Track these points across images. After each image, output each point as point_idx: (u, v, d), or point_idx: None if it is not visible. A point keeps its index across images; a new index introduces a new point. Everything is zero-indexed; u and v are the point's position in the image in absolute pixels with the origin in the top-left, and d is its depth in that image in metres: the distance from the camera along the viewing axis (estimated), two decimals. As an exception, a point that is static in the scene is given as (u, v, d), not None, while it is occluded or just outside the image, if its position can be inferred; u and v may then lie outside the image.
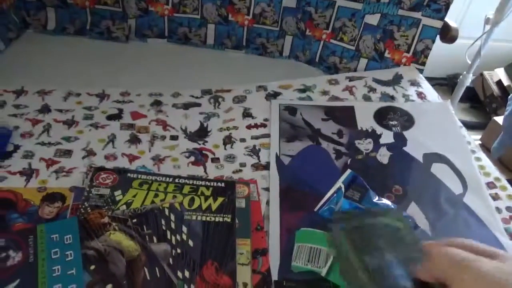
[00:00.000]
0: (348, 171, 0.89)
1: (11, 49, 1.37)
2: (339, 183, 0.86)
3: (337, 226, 0.66)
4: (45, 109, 1.10)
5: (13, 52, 1.36)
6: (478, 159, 1.06)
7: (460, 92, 2.09)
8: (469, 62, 1.98)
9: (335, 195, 0.85)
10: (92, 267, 0.71)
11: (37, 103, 1.12)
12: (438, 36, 1.34)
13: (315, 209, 0.88)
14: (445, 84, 2.95)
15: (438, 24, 1.30)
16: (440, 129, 1.14)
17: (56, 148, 0.99)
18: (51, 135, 1.03)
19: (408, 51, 1.36)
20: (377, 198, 0.86)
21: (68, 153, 0.98)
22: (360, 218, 0.69)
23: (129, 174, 0.90)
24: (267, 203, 0.91)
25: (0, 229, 0.79)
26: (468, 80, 2.03)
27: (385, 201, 0.87)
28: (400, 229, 0.65)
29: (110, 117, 1.11)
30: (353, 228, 0.66)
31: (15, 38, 1.40)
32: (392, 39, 1.36)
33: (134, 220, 0.80)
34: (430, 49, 1.34)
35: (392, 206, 0.85)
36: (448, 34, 1.36)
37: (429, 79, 1.37)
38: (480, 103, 2.87)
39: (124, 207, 0.83)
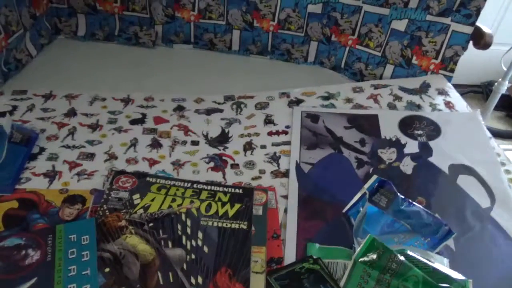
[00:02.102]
0: (375, 176, 0.88)
1: (43, 54, 1.42)
2: (364, 189, 0.85)
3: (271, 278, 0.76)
4: (71, 113, 1.13)
5: (44, 58, 1.40)
6: (508, 171, 1.01)
7: (495, 100, 2.02)
8: (505, 69, 1.90)
9: (361, 199, 0.86)
10: (107, 269, 0.72)
11: (64, 107, 1.16)
12: (471, 43, 1.30)
13: (343, 211, 0.90)
14: (479, 91, 2.86)
15: (468, 29, 1.26)
16: (468, 140, 1.10)
17: (80, 151, 1.01)
18: (76, 138, 1.05)
19: (436, 58, 1.32)
20: (405, 204, 0.84)
21: (91, 156, 1.00)
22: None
23: (148, 178, 0.91)
24: (285, 211, 0.90)
25: (21, 229, 0.81)
26: (503, 87, 1.96)
27: (415, 206, 0.85)
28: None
29: (134, 122, 1.12)
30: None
31: (47, 44, 1.45)
32: (420, 45, 1.32)
33: (151, 224, 0.81)
34: (460, 56, 1.30)
35: (421, 211, 0.84)
36: (481, 40, 1.31)
37: (462, 86, 1.33)
38: (516, 111, 2.76)
39: (142, 211, 0.84)
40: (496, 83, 1.97)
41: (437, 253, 0.81)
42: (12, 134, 0.98)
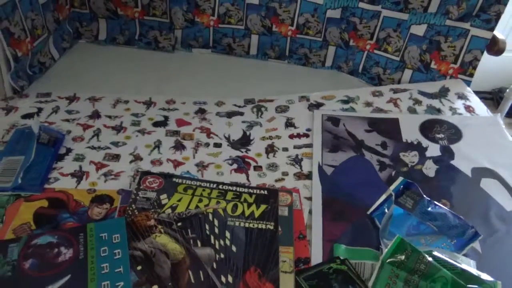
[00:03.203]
0: (400, 178, 0.89)
1: (65, 58, 1.44)
2: (390, 191, 0.86)
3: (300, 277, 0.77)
4: (95, 115, 1.15)
5: (66, 61, 1.43)
6: (531, 174, 1.02)
7: (506, 106, 2.01)
8: (517, 76, 1.90)
9: (387, 201, 0.86)
10: (139, 267, 0.73)
11: (88, 109, 1.17)
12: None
13: (368, 212, 0.90)
14: (490, 98, 2.86)
15: (487, 34, 1.26)
16: (489, 143, 1.11)
17: (105, 152, 1.03)
18: (101, 139, 1.07)
19: (455, 62, 1.33)
20: (431, 206, 0.85)
21: (116, 157, 1.02)
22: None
23: (174, 179, 0.92)
24: (310, 212, 0.91)
25: (52, 228, 0.82)
26: (515, 94, 1.95)
27: (441, 208, 0.86)
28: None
29: (156, 124, 1.14)
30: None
31: (69, 48, 1.48)
32: (438, 50, 1.33)
33: (179, 224, 0.82)
34: (479, 60, 1.31)
35: (447, 213, 0.85)
36: (495, 46, 1.31)
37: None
38: (528, 118, 2.75)
39: (170, 210, 0.85)
40: (508, 90, 1.96)
41: (464, 255, 0.81)
42: (39, 135, 1.00)
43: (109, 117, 1.15)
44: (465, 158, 1.05)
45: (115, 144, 1.06)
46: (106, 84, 1.32)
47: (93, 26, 1.50)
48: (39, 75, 1.31)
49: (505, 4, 1.22)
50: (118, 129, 1.11)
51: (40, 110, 1.15)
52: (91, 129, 1.10)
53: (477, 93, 1.33)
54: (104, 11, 1.47)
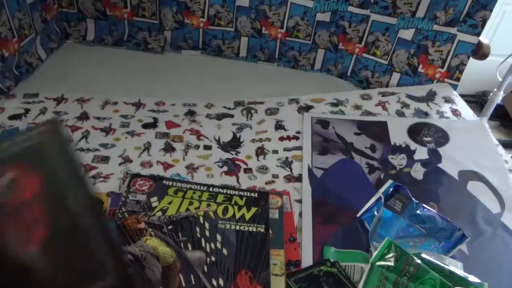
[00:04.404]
0: (390, 181, 0.90)
1: (52, 58, 1.42)
2: (379, 194, 0.87)
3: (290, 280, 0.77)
4: (84, 116, 1.14)
5: (54, 62, 1.41)
6: (516, 178, 1.04)
7: (490, 109, 2.04)
8: (500, 79, 1.93)
9: (376, 203, 0.87)
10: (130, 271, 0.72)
11: (76, 111, 1.16)
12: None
13: (358, 215, 0.90)
14: (474, 101, 2.90)
15: (474, 39, 1.29)
16: (476, 147, 1.12)
17: (94, 154, 1.02)
18: (89, 141, 1.06)
19: (442, 67, 1.35)
20: (420, 209, 0.86)
21: (105, 159, 1.01)
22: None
23: (164, 182, 0.92)
24: (300, 214, 0.91)
25: (41, 231, 0.81)
26: (498, 97, 1.98)
27: (430, 210, 0.87)
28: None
29: (146, 126, 1.13)
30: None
31: (56, 48, 1.46)
32: (426, 54, 1.35)
33: (170, 227, 0.82)
34: (465, 65, 1.33)
35: (435, 215, 0.86)
36: (480, 51, 1.34)
37: (457, 96, 1.35)
38: (510, 121, 2.80)
39: (160, 213, 0.84)
40: (491, 93, 1.99)
41: (451, 257, 0.83)
42: (27, 136, 0.98)
43: (98, 118, 1.14)
44: (452, 161, 1.07)
45: (104, 146, 1.05)
46: (95, 85, 1.31)
47: (81, 26, 1.49)
48: (26, 75, 1.29)
49: (491, 10, 1.24)
50: (107, 131, 1.10)
51: (27, 111, 1.13)
52: (79, 130, 1.09)
53: (461, 96, 1.35)
54: (93, 12, 1.46)
